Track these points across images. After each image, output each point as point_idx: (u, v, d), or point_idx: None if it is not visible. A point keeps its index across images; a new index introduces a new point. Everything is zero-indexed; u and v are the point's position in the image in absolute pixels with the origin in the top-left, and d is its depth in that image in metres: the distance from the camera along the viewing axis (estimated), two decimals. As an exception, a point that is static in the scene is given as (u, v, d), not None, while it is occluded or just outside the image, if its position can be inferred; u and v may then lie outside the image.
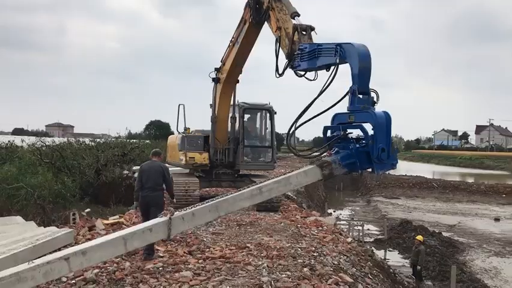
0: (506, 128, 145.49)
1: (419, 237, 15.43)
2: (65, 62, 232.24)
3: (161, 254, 8.36)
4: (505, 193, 38.88)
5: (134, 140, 32.05)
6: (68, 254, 5.62)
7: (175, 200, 9.97)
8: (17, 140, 27.02)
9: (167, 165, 10.89)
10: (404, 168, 68.32)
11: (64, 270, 5.64)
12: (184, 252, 8.53)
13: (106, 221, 11.19)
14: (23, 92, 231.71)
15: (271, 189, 6.65)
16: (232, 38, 13.21)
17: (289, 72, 8.12)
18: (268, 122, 15.30)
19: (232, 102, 14.80)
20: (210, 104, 15.07)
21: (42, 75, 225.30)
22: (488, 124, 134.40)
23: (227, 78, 14.10)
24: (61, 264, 5.53)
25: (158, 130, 63.92)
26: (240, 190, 6.47)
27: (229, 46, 13.63)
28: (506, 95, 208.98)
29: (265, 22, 10.08)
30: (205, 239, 9.69)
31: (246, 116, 15.20)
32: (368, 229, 23.49)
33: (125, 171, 19.60)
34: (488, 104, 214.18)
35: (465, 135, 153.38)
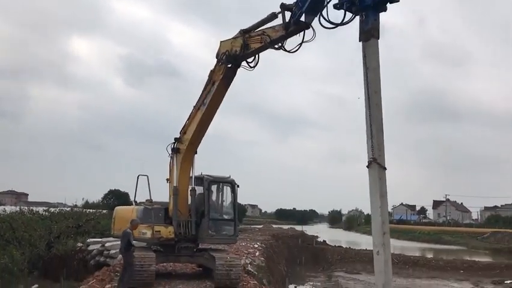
0: (462, 203, 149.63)
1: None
2: (25, 128, 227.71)
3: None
4: (463, 269, 39.22)
5: (91, 210, 31.09)
6: None
7: None
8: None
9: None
10: (365, 242, 68.49)
11: None
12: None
13: (54, 299, 10.54)
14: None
15: None
16: (196, 105, 14.08)
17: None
18: (231, 194, 15.28)
19: (191, 174, 14.81)
20: (167, 179, 14.96)
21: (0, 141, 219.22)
22: (444, 199, 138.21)
23: (189, 147, 14.34)
24: None
25: (117, 200, 62.37)
26: None
27: (191, 114, 14.20)
28: (461, 172, 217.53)
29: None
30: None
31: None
32: (329, 306, 22.98)
33: (79, 244, 18.75)
34: (444, 180, 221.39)
35: (423, 210, 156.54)
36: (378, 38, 8.14)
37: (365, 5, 8.19)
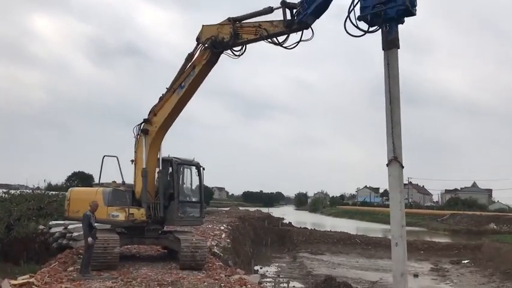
0: (423, 186, 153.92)
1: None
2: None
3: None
4: (423, 249, 40.64)
5: (54, 192, 30.37)
6: None
7: None
8: None
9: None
10: (329, 223, 69.83)
11: None
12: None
13: (14, 281, 10.35)
14: None
15: None
16: (171, 87, 13.83)
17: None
18: (197, 177, 15.31)
19: (158, 156, 14.67)
20: (132, 160, 14.73)
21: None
22: (407, 182, 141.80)
23: (160, 129, 14.17)
24: None
25: (82, 182, 61.30)
26: None
27: (164, 96, 13.96)
28: (423, 155, 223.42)
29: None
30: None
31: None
32: (294, 286, 23.41)
33: (41, 226, 18.29)
34: (406, 163, 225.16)
35: (386, 193, 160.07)
36: (399, 47, 8.70)
37: (389, 17, 8.68)
